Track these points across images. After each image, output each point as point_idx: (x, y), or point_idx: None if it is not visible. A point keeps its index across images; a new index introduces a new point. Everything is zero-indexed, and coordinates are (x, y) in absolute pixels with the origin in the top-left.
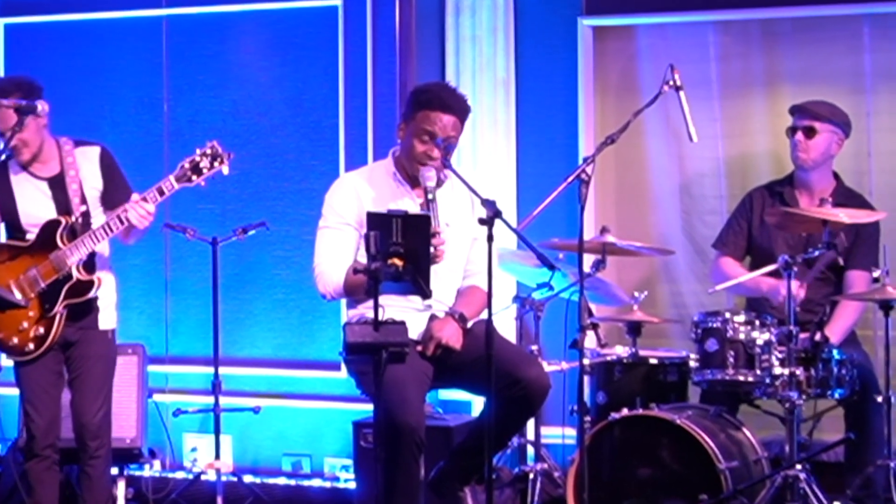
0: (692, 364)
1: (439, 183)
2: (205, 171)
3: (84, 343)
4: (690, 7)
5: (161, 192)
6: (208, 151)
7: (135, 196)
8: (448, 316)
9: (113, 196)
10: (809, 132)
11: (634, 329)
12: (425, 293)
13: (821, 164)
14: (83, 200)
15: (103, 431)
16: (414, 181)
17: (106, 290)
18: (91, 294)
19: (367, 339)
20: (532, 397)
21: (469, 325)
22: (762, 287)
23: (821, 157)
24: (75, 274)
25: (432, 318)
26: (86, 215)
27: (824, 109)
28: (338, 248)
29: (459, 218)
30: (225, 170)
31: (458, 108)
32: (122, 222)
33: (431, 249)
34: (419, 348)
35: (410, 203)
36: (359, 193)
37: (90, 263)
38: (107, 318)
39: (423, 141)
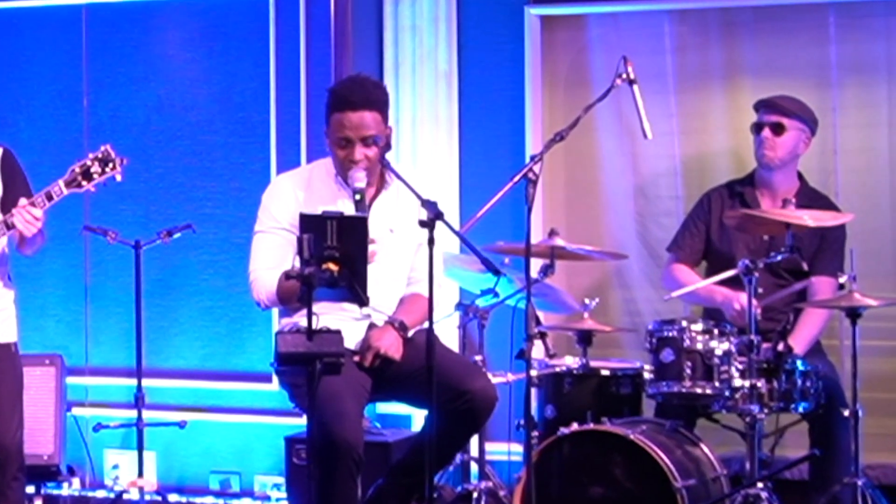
0: (646, 376)
1: (383, 186)
2: (96, 176)
3: None
4: None
5: (49, 198)
6: (100, 156)
7: (22, 201)
8: (387, 325)
9: (13, 201)
10: (777, 129)
11: (585, 338)
12: (363, 300)
13: (787, 164)
14: None
15: (21, 450)
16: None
17: (3, 301)
18: None
19: (300, 349)
20: (477, 411)
21: (410, 334)
22: (716, 297)
23: (788, 155)
24: None
25: (371, 326)
26: None
27: (793, 105)
28: (274, 254)
29: (404, 224)
30: (118, 176)
31: (364, 101)
32: (7, 227)
33: None
34: (356, 359)
35: (351, 207)
36: (297, 196)
37: None
38: (6, 331)
39: (342, 146)
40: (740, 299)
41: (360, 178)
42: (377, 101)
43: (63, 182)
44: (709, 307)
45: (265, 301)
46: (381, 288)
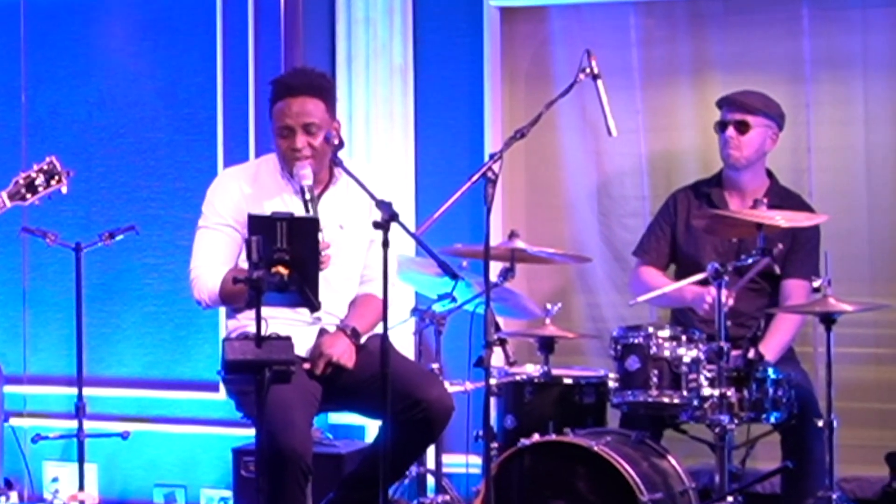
0: (611, 384)
1: (331, 181)
2: (41, 189)
3: None
4: None
5: None
6: (46, 168)
7: None
8: (339, 331)
9: None
10: (742, 127)
11: (547, 345)
12: (314, 305)
13: (754, 163)
14: None
15: None
16: None
17: None
18: None
19: (248, 356)
20: (433, 420)
21: (362, 340)
22: (686, 296)
23: (755, 154)
24: None
25: (322, 332)
26: None
27: (757, 101)
28: (217, 251)
29: (354, 219)
30: (63, 189)
31: (306, 86)
32: None
33: None
34: (306, 366)
35: (299, 204)
36: (243, 191)
37: None
38: None
39: (283, 136)
40: (711, 292)
41: (306, 175)
42: (319, 87)
43: (6, 194)
44: (678, 310)
45: (206, 300)
46: (332, 288)
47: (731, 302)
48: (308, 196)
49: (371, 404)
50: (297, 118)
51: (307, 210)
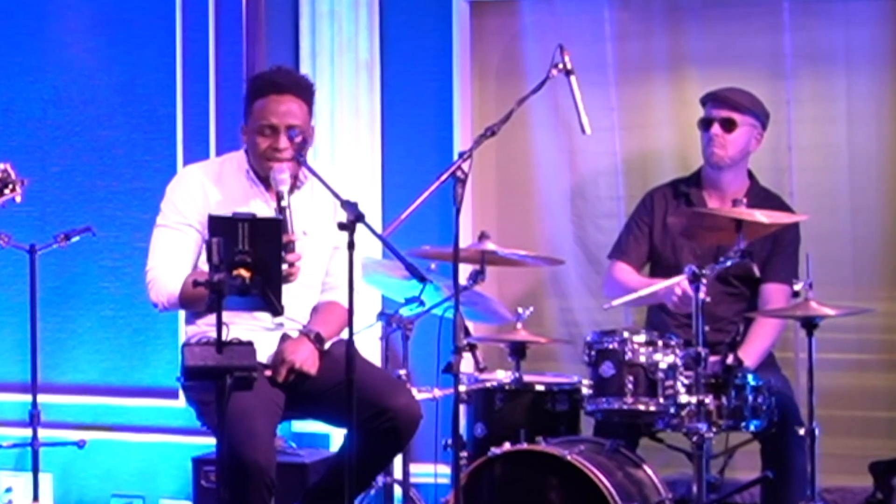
0: (585, 391)
1: (296, 185)
2: None
3: None
4: None
5: None
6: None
7: None
8: (302, 336)
9: None
10: (728, 125)
11: (518, 351)
12: (276, 309)
13: (737, 162)
14: None
15: None
16: (269, 183)
17: None
18: None
19: (208, 362)
20: (400, 429)
21: (326, 346)
22: (657, 292)
23: (739, 154)
24: None
25: (284, 338)
26: None
27: (744, 99)
28: (176, 252)
29: (319, 225)
30: (18, 198)
31: (294, 86)
32: None
33: (285, 267)
34: (268, 373)
35: (264, 207)
36: (205, 190)
37: None
38: None
39: (265, 134)
40: (681, 283)
41: (284, 180)
42: (305, 89)
43: None
44: (654, 315)
45: (164, 303)
46: (293, 295)
47: (702, 295)
48: (285, 203)
49: (336, 413)
50: (282, 118)
51: (282, 216)
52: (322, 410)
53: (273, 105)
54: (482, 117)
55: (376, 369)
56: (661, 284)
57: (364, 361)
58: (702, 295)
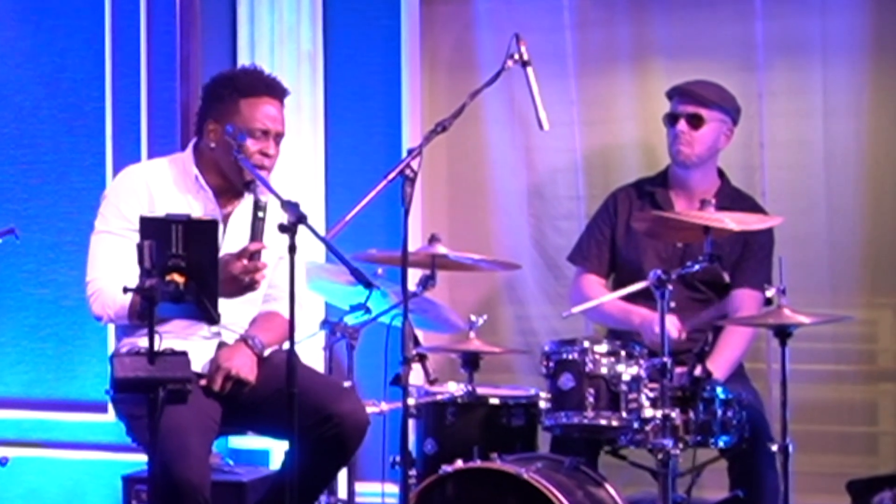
0: (542, 405)
1: (241, 193)
2: None
3: None
4: None
5: None
6: None
7: None
8: (240, 342)
9: None
10: (695, 121)
11: (471, 361)
12: (213, 317)
13: (706, 161)
14: None
15: None
16: (220, 190)
17: None
18: None
19: (139, 373)
20: (346, 437)
21: (266, 353)
22: (633, 320)
23: (707, 151)
24: None
25: (221, 346)
26: None
27: (713, 93)
28: (121, 260)
29: (266, 235)
30: None
31: (283, 94)
32: None
33: (245, 279)
34: (203, 383)
35: (218, 213)
36: (151, 193)
37: None
38: None
39: (257, 138)
40: (673, 325)
41: (264, 189)
42: (285, 95)
43: None
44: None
45: (110, 315)
46: (232, 305)
47: (683, 336)
48: (262, 214)
49: (276, 423)
50: (276, 124)
51: (255, 229)
52: (262, 421)
53: (270, 109)
54: (433, 112)
55: (319, 375)
56: (622, 291)
57: (306, 368)
58: (681, 334)
